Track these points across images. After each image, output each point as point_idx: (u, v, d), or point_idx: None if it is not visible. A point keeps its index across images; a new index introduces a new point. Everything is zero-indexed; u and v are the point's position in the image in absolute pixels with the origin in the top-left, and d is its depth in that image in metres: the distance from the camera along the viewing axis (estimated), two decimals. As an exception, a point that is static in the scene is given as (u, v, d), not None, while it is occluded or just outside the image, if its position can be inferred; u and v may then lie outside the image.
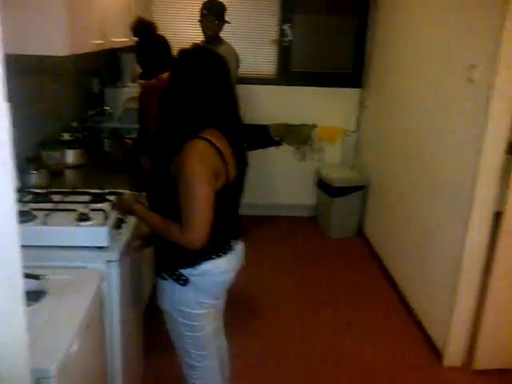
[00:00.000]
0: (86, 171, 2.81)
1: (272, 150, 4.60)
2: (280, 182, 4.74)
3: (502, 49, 2.32)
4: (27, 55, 2.05)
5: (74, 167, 2.81)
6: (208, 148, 1.61)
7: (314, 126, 4.59)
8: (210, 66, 1.68)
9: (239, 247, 1.90)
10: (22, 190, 2.17)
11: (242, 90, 3.49)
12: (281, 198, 4.76)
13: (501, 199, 2.52)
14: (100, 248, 1.87)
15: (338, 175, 4.48)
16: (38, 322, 1.41)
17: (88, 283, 1.69)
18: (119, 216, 2.04)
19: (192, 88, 1.67)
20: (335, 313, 3.31)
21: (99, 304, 1.72)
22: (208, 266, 1.75)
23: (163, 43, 2.77)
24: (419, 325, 3.12)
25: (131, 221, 2.13)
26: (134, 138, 3.05)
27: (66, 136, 2.96)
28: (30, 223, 1.87)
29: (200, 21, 3.67)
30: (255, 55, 4.50)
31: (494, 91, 2.38)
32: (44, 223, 1.87)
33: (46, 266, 1.72)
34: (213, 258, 1.75)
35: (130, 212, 1.89)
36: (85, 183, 2.50)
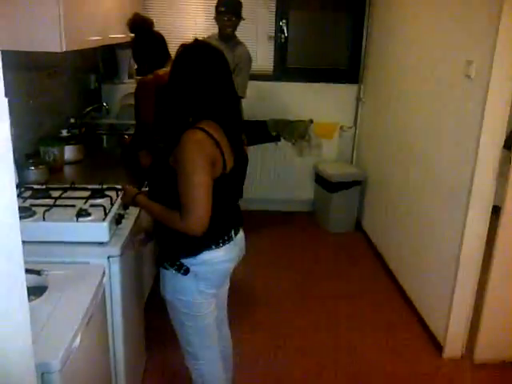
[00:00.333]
0: (84, 167, 2.81)
1: (269, 145, 4.60)
2: (278, 177, 4.75)
3: (499, 45, 2.33)
4: (24, 51, 2.05)
5: (72, 163, 2.81)
6: (205, 138, 1.65)
7: (311, 121, 4.59)
8: (209, 60, 1.72)
9: (239, 237, 1.92)
10: (21, 186, 2.17)
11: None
12: (279, 193, 4.77)
13: (499, 193, 2.53)
14: (100, 243, 1.87)
15: (335, 170, 4.49)
16: (40, 317, 1.41)
17: (89, 278, 1.69)
18: (119, 211, 2.05)
19: (191, 81, 1.71)
20: (334, 306, 3.32)
21: (101, 299, 1.72)
22: (208, 255, 1.78)
23: (159, 40, 2.77)
24: (419, 317, 3.13)
25: (131, 216, 2.14)
26: (132, 133, 3.05)
27: (64, 132, 2.95)
28: (29, 219, 1.87)
29: (216, 18, 3.63)
30: (252, 52, 4.45)
31: (490, 87, 2.39)
32: (44, 219, 1.87)
33: (46, 261, 1.72)
34: (213, 248, 1.78)
35: (134, 203, 1.92)
36: (83, 179, 2.50)
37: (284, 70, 4.61)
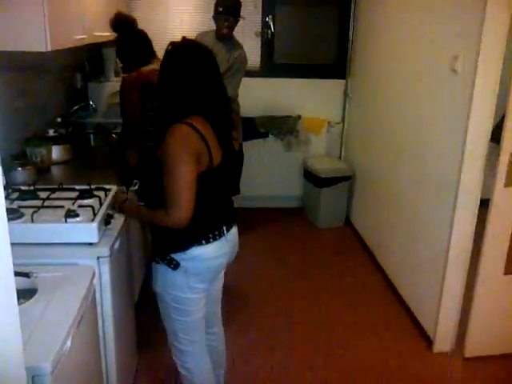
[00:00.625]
0: (72, 167, 2.79)
1: (258, 141, 4.60)
2: (267, 173, 4.75)
3: (484, 39, 2.34)
4: (8, 51, 2.03)
5: (60, 163, 2.79)
6: (190, 132, 1.67)
7: (299, 117, 4.59)
8: (196, 58, 1.75)
9: (232, 233, 1.93)
10: (9, 188, 2.14)
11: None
12: (268, 190, 4.77)
13: (487, 187, 2.55)
14: (90, 244, 1.86)
15: (324, 166, 4.50)
16: (31, 320, 1.40)
17: (79, 280, 1.68)
18: (108, 211, 2.04)
19: (179, 78, 1.74)
20: (324, 301, 3.33)
21: (91, 300, 1.71)
22: (198, 250, 1.80)
23: (142, 37, 2.75)
24: (409, 312, 3.16)
25: (120, 216, 2.13)
26: (119, 132, 3.03)
27: (51, 132, 2.93)
28: (17, 221, 1.86)
29: (214, 17, 3.61)
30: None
31: (476, 81, 2.40)
32: (32, 220, 1.86)
33: (35, 263, 1.71)
34: (203, 243, 1.80)
35: (120, 210, 1.97)
36: (71, 179, 2.49)
37: (271, 66, 4.61)
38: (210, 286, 1.94)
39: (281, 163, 4.75)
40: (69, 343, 1.40)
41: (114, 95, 3.60)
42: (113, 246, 1.93)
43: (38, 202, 2.01)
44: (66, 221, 1.88)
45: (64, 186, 2.22)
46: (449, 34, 2.72)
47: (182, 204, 1.66)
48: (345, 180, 4.43)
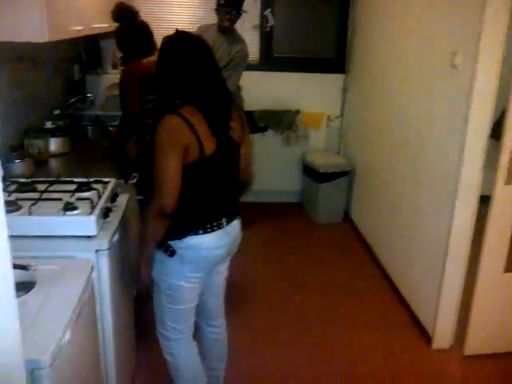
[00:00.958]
0: (70, 159, 2.77)
1: (257, 136, 4.58)
2: (265, 168, 4.70)
3: (483, 35, 2.33)
4: (5, 42, 2.01)
5: (57, 155, 2.77)
6: (178, 122, 1.71)
7: (298, 111, 4.57)
8: (187, 49, 1.78)
9: (233, 226, 1.93)
10: (6, 180, 2.13)
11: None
12: (267, 185, 4.75)
13: (486, 183, 2.55)
14: (88, 237, 1.85)
15: (323, 161, 4.48)
16: (29, 313, 1.39)
17: (77, 273, 1.67)
18: (106, 204, 2.02)
19: (170, 69, 1.78)
20: (323, 297, 3.33)
21: (90, 293, 1.70)
22: (194, 240, 1.82)
23: (144, 28, 2.73)
24: (408, 307, 3.15)
25: (119, 209, 2.12)
26: (117, 125, 3.01)
27: (49, 124, 2.91)
28: (15, 213, 1.84)
29: (216, 10, 3.59)
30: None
31: (476, 77, 2.40)
32: (30, 213, 1.84)
33: (33, 256, 1.69)
34: (199, 233, 1.82)
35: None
36: (69, 172, 2.47)
37: (270, 60, 4.59)
38: (206, 276, 1.95)
39: (279, 158, 4.73)
40: (67, 336, 1.39)
41: (111, 87, 3.58)
42: (111, 238, 1.91)
43: (35, 195, 1.99)
44: (64, 214, 1.86)
45: (62, 179, 2.21)
46: (448, 29, 2.71)
47: (164, 192, 1.71)
48: (344, 175, 4.42)
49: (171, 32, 1.84)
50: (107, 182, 2.19)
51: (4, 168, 2.22)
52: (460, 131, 2.52)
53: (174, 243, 1.81)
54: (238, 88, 3.74)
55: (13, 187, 2.08)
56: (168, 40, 1.81)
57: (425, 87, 3.01)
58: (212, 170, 1.81)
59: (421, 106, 3.06)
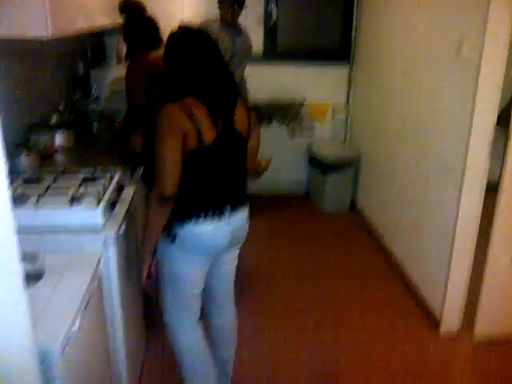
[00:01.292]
0: (75, 154, 2.79)
1: (262, 128, 4.57)
2: (272, 159, 4.72)
3: (489, 25, 2.33)
4: (10, 38, 2.03)
5: (63, 150, 2.79)
6: (175, 111, 1.75)
7: (303, 103, 4.56)
8: (188, 42, 1.82)
9: (238, 217, 1.93)
10: (13, 174, 2.15)
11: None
12: (273, 175, 4.74)
13: (493, 170, 2.55)
14: (95, 229, 1.87)
15: (329, 151, 4.48)
16: (38, 304, 1.41)
17: (85, 264, 1.68)
18: (113, 196, 2.05)
19: (173, 62, 1.83)
20: (332, 285, 3.34)
21: (98, 284, 1.73)
22: (196, 228, 1.84)
23: (151, 23, 2.75)
24: (415, 293, 3.16)
25: (125, 200, 2.14)
26: (123, 118, 3.03)
27: (54, 119, 2.93)
28: (22, 207, 1.86)
29: (219, 7, 3.59)
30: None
31: (482, 66, 2.39)
32: (36, 206, 1.86)
33: (40, 249, 1.71)
34: (200, 221, 1.83)
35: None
36: (75, 166, 2.48)
37: (275, 52, 4.57)
38: (211, 265, 1.98)
39: (285, 149, 4.71)
40: (77, 326, 1.41)
41: (116, 82, 3.59)
42: (118, 230, 1.93)
43: (42, 188, 2.01)
44: (71, 206, 1.89)
45: (68, 172, 2.23)
46: (455, 19, 2.69)
47: (162, 177, 1.74)
48: (350, 165, 4.42)
49: (176, 26, 1.86)
50: (113, 175, 2.21)
51: (10, 163, 2.25)
52: (467, 119, 2.52)
53: (175, 229, 1.84)
54: (243, 80, 3.75)
55: (19, 181, 2.10)
56: (172, 34, 1.85)
57: (431, 76, 3.00)
58: (211, 158, 1.82)
59: (427, 95, 3.05)
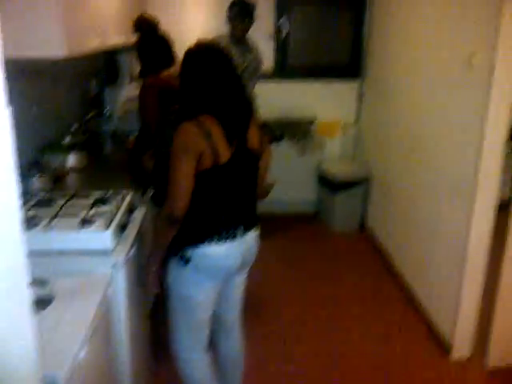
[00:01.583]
0: (88, 174, 2.79)
1: (272, 145, 4.57)
2: (281, 177, 4.67)
3: (501, 36, 2.31)
4: (24, 59, 2.03)
5: (76, 171, 2.79)
6: (192, 130, 1.74)
7: (313, 120, 4.56)
8: (205, 60, 1.83)
9: (249, 238, 1.92)
10: (25, 195, 2.15)
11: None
12: (282, 194, 4.72)
13: (506, 188, 2.51)
14: (105, 252, 1.86)
15: (339, 169, 4.47)
16: (46, 329, 1.41)
17: (94, 288, 1.68)
18: (123, 218, 2.03)
19: (190, 80, 1.83)
20: (339, 307, 3.31)
21: (106, 308, 1.71)
22: (209, 249, 1.83)
23: (164, 41, 2.76)
24: (426, 317, 3.11)
25: (135, 223, 2.12)
26: (136, 137, 3.02)
27: (67, 139, 2.93)
28: (33, 229, 1.86)
29: (228, 22, 3.62)
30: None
31: (494, 79, 2.37)
32: (47, 228, 1.86)
33: (50, 271, 1.71)
34: (214, 242, 1.83)
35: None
36: (88, 186, 2.49)
37: (285, 69, 4.59)
38: (221, 287, 1.96)
39: (295, 167, 4.71)
40: (83, 352, 1.40)
41: (129, 101, 3.60)
42: (128, 252, 1.92)
43: (53, 210, 2.02)
44: (81, 228, 1.88)
45: (80, 194, 2.23)
46: (466, 30, 2.68)
47: (173, 195, 1.75)
48: (360, 184, 4.39)
49: (189, 43, 1.87)
50: (124, 196, 2.20)
51: (23, 184, 2.24)
52: (478, 135, 2.49)
53: (188, 251, 1.83)
54: (253, 97, 3.75)
55: (31, 203, 2.11)
56: (189, 52, 1.86)
57: (442, 91, 2.98)
58: (226, 178, 1.82)
59: (438, 110, 3.03)
